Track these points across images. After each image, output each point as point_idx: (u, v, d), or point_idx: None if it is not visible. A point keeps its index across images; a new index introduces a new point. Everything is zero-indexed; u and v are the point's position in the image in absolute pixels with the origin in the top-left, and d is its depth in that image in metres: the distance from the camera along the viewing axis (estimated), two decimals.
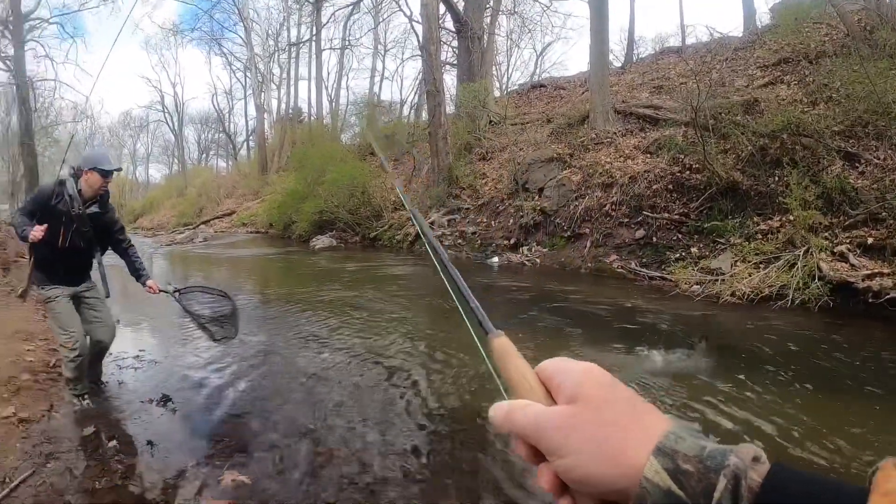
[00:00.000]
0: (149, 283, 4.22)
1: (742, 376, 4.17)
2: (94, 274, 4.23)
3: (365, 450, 3.34)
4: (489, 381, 4.21)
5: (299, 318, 6.78)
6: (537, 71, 32.73)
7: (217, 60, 48.23)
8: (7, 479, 3.14)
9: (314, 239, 17.24)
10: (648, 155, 10.24)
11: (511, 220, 11.83)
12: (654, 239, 8.77)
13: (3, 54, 26.57)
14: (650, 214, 8.98)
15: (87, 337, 4.15)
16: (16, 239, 18.45)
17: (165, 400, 4.14)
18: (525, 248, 11.00)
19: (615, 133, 11.77)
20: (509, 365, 0.52)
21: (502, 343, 0.54)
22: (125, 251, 4.26)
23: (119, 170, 4.21)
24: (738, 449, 0.38)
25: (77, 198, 3.79)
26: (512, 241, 11.46)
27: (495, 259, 11.11)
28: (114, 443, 3.58)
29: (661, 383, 4.10)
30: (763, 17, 18.00)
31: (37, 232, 3.62)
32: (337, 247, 16.44)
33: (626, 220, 9.37)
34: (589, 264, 9.37)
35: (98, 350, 4.29)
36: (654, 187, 9.20)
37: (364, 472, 3.09)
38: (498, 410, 0.49)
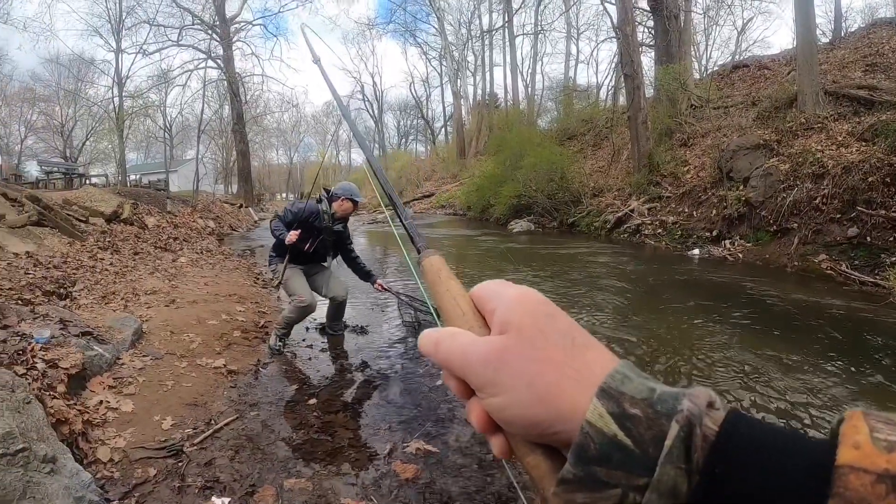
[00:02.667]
0: (378, 282, 5.49)
1: None
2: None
3: None
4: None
5: None
6: (738, 49, 30.78)
7: (413, 50, 51.67)
8: (213, 421, 3.58)
9: (512, 222, 18.44)
10: (864, 142, 9.79)
11: (714, 211, 11.96)
12: (869, 238, 8.48)
13: (213, 54, 30.87)
14: (865, 210, 8.66)
15: (329, 298, 5.47)
16: (229, 215, 21.84)
17: (364, 366, 4.72)
18: (727, 241, 11.15)
19: (826, 117, 11.30)
20: (440, 288, 0.50)
21: (434, 263, 0.53)
22: (353, 259, 5.56)
23: (363, 200, 5.61)
24: (691, 392, 0.35)
25: (329, 216, 5.20)
26: (714, 233, 11.62)
27: (696, 251, 11.37)
28: (313, 400, 4.01)
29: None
30: None
31: (292, 236, 4.86)
32: (534, 231, 17.43)
33: (838, 215, 9.11)
34: (795, 263, 9.29)
35: (336, 304, 5.56)
36: (870, 180, 8.83)
37: None
38: (426, 339, 0.45)
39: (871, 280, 7.82)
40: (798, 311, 6.67)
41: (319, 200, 5.24)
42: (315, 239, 5.12)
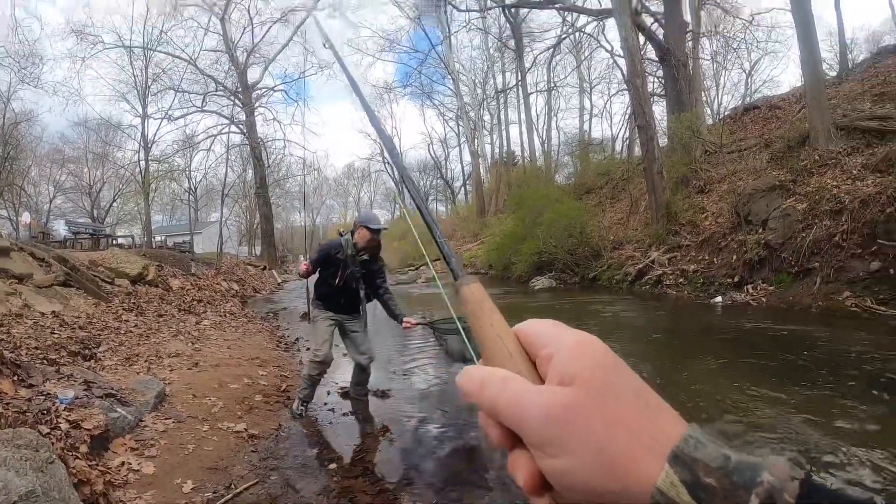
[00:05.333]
0: (405, 320, 5.10)
1: None
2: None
3: None
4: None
5: None
6: (748, 91, 31.23)
7: (430, 111, 53.08)
8: (233, 485, 3.65)
9: (533, 280, 18.32)
10: (879, 174, 9.82)
11: (734, 256, 11.88)
12: (892, 271, 8.36)
13: (236, 120, 32.23)
14: (886, 243, 8.59)
15: (354, 361, 5.44)
16: (253, 277, 22.21)
17: (385, 430, 4.72)
18: (749, 286, 11.03)
19: (839, 152, 11.36)
20: (483, 321, 0.45)
21: (475, 292, 0.47)
22: (381, 296, 5.30)
23: (385, 229, 5.41)
24: (770, 463, 0.33)
25: (352, 246, 5.16)
26: (735, 279, 11.51)
27: (718, 299, 11.23)
28: (333, 465, 4.08)
29: None
30: None
31: (301, 266, 5.16)
32: (556, 287, 17.26)
33: (859, 250, 9.01)
34: (819, 302, 9.14)
35: (361, 369, 5.49)
36: (889, 210, 8.77)
37: None
38: (470, 378, 0.41)
39: None
40: (823, 352, 6.56)
41: (342, 234, 5.28)
42: (343, 271, 5.11)
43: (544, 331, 0.41)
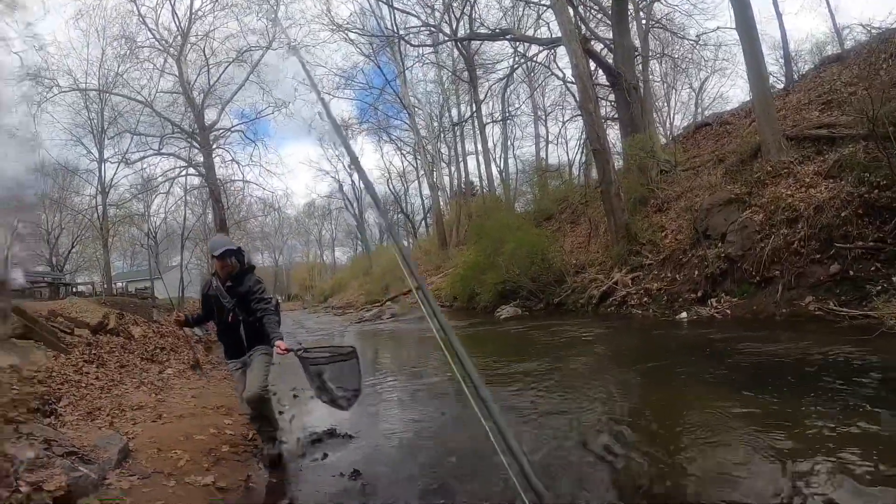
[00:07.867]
0: (276, 342, 4.63)
1: None
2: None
3: None
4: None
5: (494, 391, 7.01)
6: (699, 110, 32.04)
7: (388, 147, 52.76)
8: None
9: (499, 309, 18.14)
10: (831, 179, 10.13)
11: (696, 272, 11.98)
12: (851, 272, 8.57)
13: (194, 162, 31.48)
14: (842, 245, 8.82)
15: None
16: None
17: (356, 475, 4.51)
18: (713, 299, 11.11)
19: (791, 162, 11.67)
20: None
21: None
22: (260, 318, 4.83)
23: (228, 252, 5.00)
24: None
25: (216, 280, 5.03)
26: (699, 294, 11.59)
27: (684, 314, 11.28)
28: None
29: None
30: None
31: (172, 315, 5.26)
32: (522, 315, 17.13)
33: (818, 255, 9.22)
34: (783, 310, 9.28)
35: (251, 406, 4.94)
36: (843, 214, 9.05)
37: None
38: None
39: (861, 313, 7.82)
40: (787, 357, 6.61)
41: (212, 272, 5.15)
42: (218, 306, 5.02)
43: None
